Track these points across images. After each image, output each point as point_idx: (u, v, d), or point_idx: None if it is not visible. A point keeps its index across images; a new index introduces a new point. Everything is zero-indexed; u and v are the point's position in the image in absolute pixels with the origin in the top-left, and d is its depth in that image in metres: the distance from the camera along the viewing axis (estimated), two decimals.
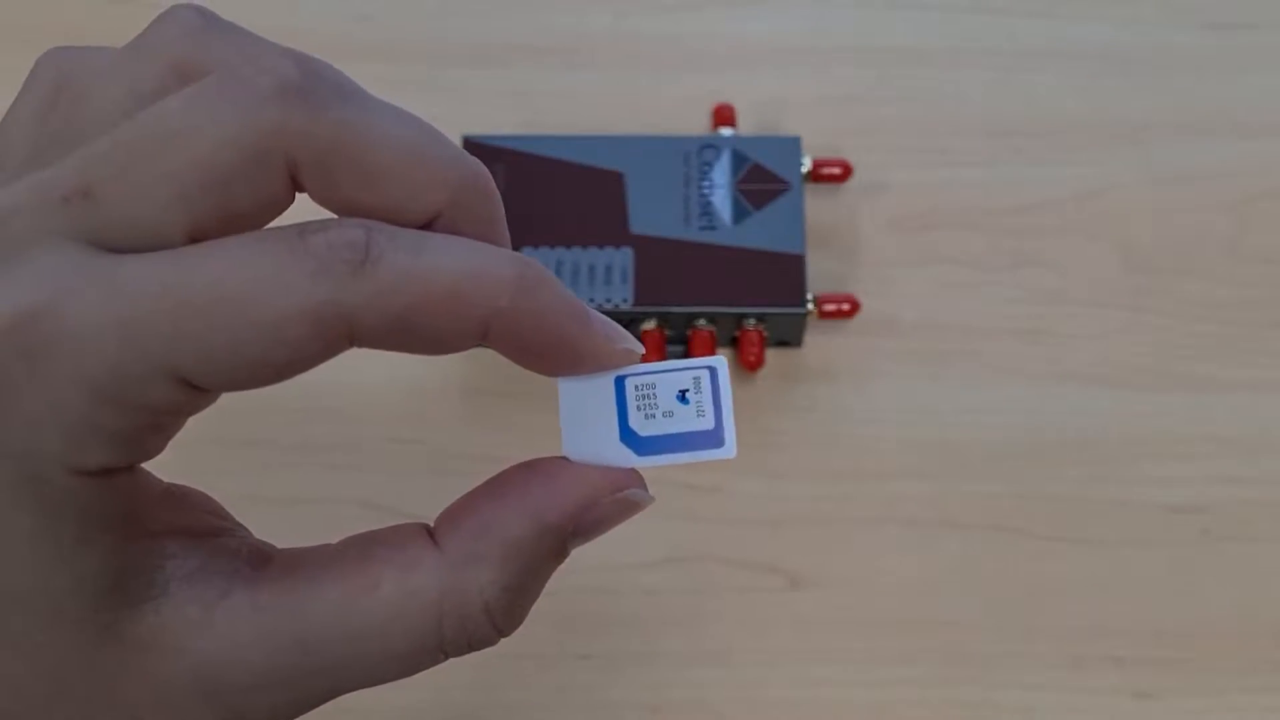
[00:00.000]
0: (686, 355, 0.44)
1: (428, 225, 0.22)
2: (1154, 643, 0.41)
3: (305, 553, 0.23)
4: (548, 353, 0.23)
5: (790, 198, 0.45)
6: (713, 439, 0.25)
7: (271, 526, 0.42)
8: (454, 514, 0.23)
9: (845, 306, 0.45)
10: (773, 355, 0.45)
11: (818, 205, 0.47)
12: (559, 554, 0.24)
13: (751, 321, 0.44)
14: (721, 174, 0.45)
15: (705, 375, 0.25)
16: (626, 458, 0.24)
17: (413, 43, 0.52)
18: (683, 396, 0.25)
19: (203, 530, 0.23)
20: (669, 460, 0.24)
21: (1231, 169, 0.49)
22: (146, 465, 0.22)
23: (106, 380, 0.20)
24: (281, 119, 0.20)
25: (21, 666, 0.22)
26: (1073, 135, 0.49)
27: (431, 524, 0.24)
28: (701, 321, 0.44)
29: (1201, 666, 0.41)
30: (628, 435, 0.24)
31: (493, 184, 0.23)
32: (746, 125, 0.48)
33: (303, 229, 0.20)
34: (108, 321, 0.19)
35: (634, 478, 0.24)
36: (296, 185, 0.21)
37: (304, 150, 0.21)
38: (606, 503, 0.24)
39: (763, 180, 0.45)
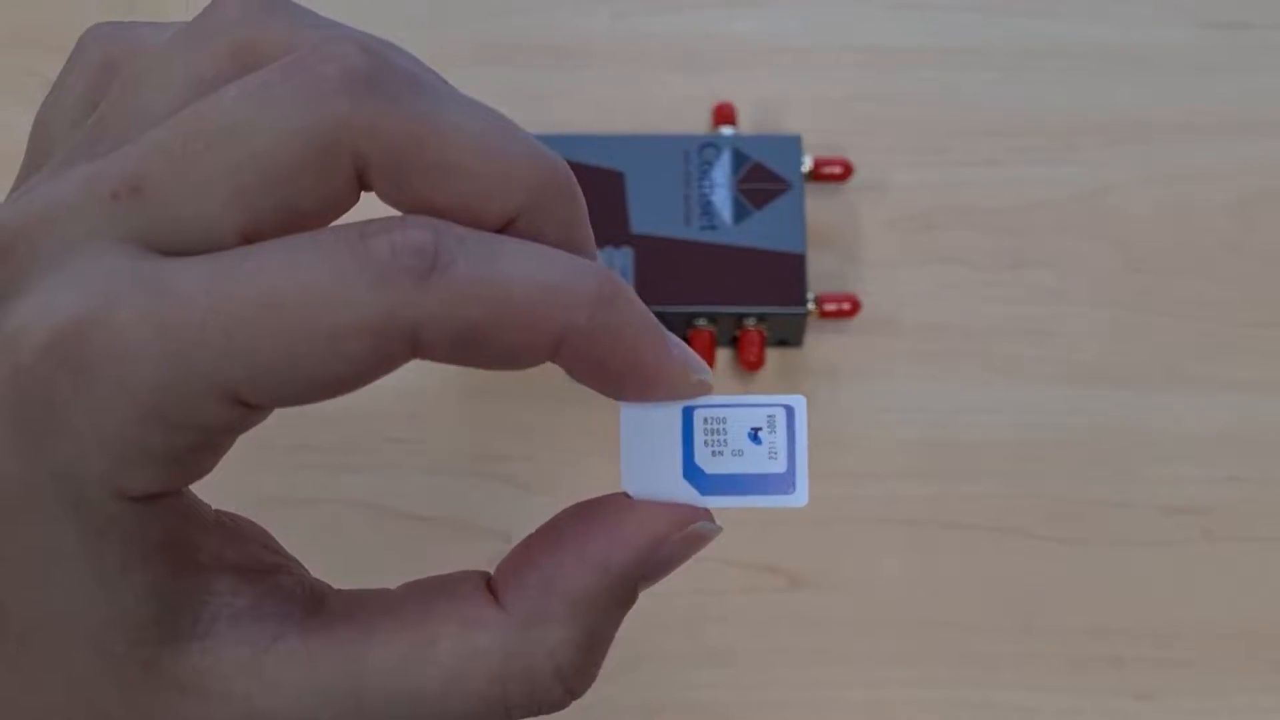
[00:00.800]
0: None
1: (504, 228, 0.21)
2: (1154, 643, 0.41)
3: (362, 598, 0.22)
4: (619, 376, 0.21)
5: (791, 197, 0.45)
6: (784, 484, 0.23)
7: (270, 527, 0.42)
8: (513, 567, 0.22)
9: (846, 306, 0.44)
10: (773, 355, 0.45)
11: (818, 204, 0.47)
12: (628, 601, 0.23)
13: (752, 321, 0.44)
14: (722, 173, 0.45)
15: (781, 414, 0.23)
16: (689, 495, 0.23)
17: (410, 41, 0.51)
18: (755, 435, 0.23)
19: (254, 566, 0.22)
20: (734, 502, 0.23)
21: (1232, 168, 0.48)
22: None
23: (155, 397, 0.18)
24: (349, 112, 0.19)
25: (58, 696, 0.21)
26: (1073, 134, 0.49)
27: (491, 572, 0.23)
28: (702, 321, 0.44)
29: (1202, 667, 0.41)
30: (692, 471, 0.23)
31: (575, 183, 0.21)
32: (747, 124, 0.48)
33: (364, 230, 0.19)
34: (157, 334, 0.18)
35: (700, 511, 0.23)
36: (363, 183, 0.20)
37: (372, 146, 0.19)
38: (674, 541, 0.23)
39: (763, 179, 0.45)
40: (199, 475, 0.20)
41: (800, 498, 0.23)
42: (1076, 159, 0.49)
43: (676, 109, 0.49)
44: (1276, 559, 0.43)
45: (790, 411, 0.23)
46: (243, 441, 0.46)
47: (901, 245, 0.47)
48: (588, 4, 0.51)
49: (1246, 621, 0.42)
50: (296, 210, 0.19)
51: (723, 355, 0.45)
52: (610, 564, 0.22)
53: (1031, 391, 0.45)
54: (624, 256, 0.44)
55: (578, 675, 0.22)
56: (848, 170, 0.47)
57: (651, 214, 0.45)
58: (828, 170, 0.46)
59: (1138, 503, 0.43)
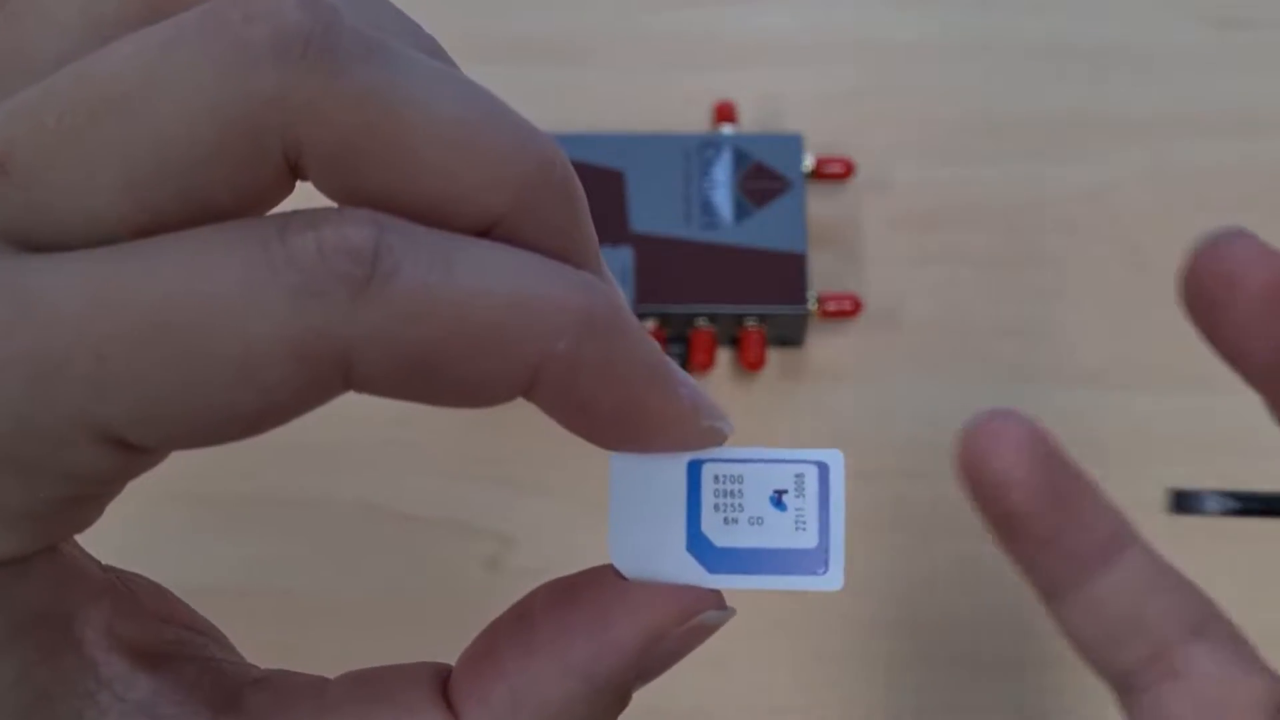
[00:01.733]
0: (687, 355, 0.43)
1: (484, 234, 0.16)
2: None
3: (287, 699, 0.18)
4: (610, 420, 0.17)
5: (792, 196, 0.45)
6: (813, 562, 0.19)
7: (267, 528, 0.42)
8: (475, 671, 0.18)
9: (847, 305, 0.44)
10: (774, 355, 0.45)
11: (820, 203, 0.47)
12: (619, 708, 0.19)
13: (752, 321, 0.44)
14: (722, 172, 0.45)
15: (812, 473, 0.19)
16: (693, 573, 0.19)
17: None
18: (778, 500, 0.19)
19: (154, 649, 0.18)
20: (750, 583, 0.19)
21: (1236, 166, 0.48)
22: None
23: (7, 438, 0.15)
24: (280, 86, 0.15)
25: None
26: (1076, 133, 0.49)
27: (450, 665, 0.19)
28: (702, 321, 0.43)
29: None
30: (698, 543, 0.19)
31: (573, 178, 0.17)
32: (748, 123, 0.48)
33: (285, 224, 0.15)
34: (10, 356, 0.14)
35: (707, 594, 0.19)
36: (297, 172, 0.16)
37: (310, 132, 0.15)
38: (676, 636, 0.19)
39: (764, 178, 0.45)
40: (77, 530, 0.17)
41: (834, 580, 0.19)
42: (1079, 157, 0.48)
43: (677, 107, 0.49)
44: (1278, 559, 0.42)
45: (824, 470, 0.19)
46: (249, 446, 0.45)
47: (903, 244, 0.47)
48: (588, 2, 0.51)
49: (1250, 622, 0.42)
50: (207, 203, 0.15)
51: (723, 355, 0.45)
52: (596, 673, 0.18)
53: (1033, 391, 0.45)
54: (624, 256, 0.44)
55: None
56: (849, 169, 0.46)
57: (652, 213, 0.44)
58: (829, 169, 0.46)
59: (1139, 502, 0.43)
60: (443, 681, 0.18)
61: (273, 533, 0.42)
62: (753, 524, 0.19)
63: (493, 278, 0.16)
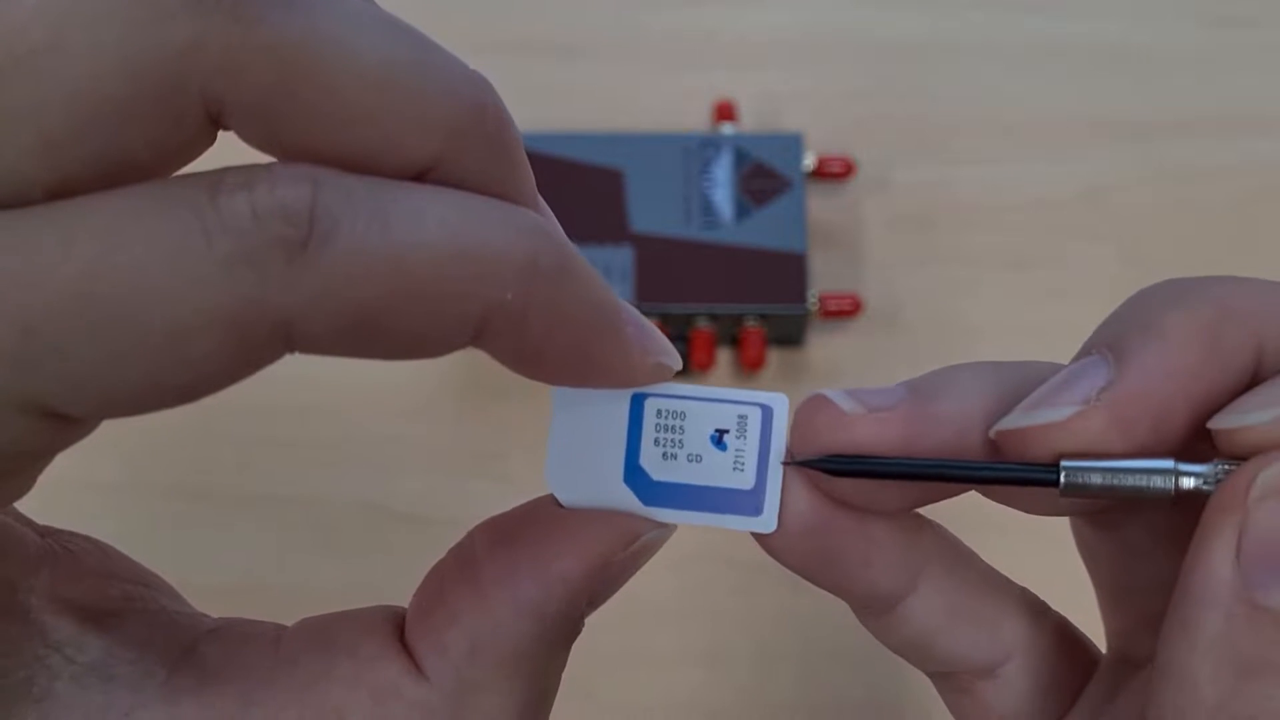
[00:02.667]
0: (687, 355, 0.43)
1: (419, 179, 0.16)
2: None
3: (241, 648, 0.18)
4: (558, 362, 0.17)
5: (792, 195, 0.45)
6: (748, 503, 0.19)
7: (266, 526, 0.42)
8: (427, 617, 0.18)
9: (847, 305, 0.44)
10: (774, 354, 0.45)
11: (820, 203, 0.47)
12: (571, 637, 0.19)
13: (753, 320, 0.44)
14: (722, 171, 0.45)
15: (755, 415, 0.19)
16: (629, 504, 0.19)
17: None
18: (719, 439, 0.19)
19: (101, 606, 0.17)
20: (683, 518, 0.19)
21: (1234, 166, 0.48)
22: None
23: None
24: (196, 37, 0.14)
25: None
26: (1076, 132, 0.49)
27: (403, 609, 0.19)
28: (702, 320, 0.43)
29: None
30: (634, 475, 0.19)
31: (508, 119, 0.16)
32: (748, 122, 0.48)
33: (216, 184, 0.14)
34: None
35: (645, 521, 0.19)
36: (218, 124, 0.15)
37: (230, 82, 0.14)
38: (619, 560, 0.19)
39: (764, 178, 0.45)
40: (8, 502, 0.16)
41: (768, 522, 0.19)
42: (1079, 157, 0.48)
43: (677, 107, 0.48)
44: None
45: (767, 413, 0.19)
46: (234, 439, 0.44)
47: (903, 244, 0.47)
48: (588, 1, 0.51)
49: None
50: (126, 161, 0.14)
51: (723, 355, 0.45)
52: (548, 609, 0.18)
53: None
54: (624, 255, 0.44)
55: None
56: (849, 168, 0.46)
57: (651, 212, 0.44)
58: (829, 169, 0.46)
59: None
60: (398, 627, 0.18)
61: (272, 531, 0.42)
62: (691, 461, 0.19)
63: (433, 229, 0.15)
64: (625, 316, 0.18)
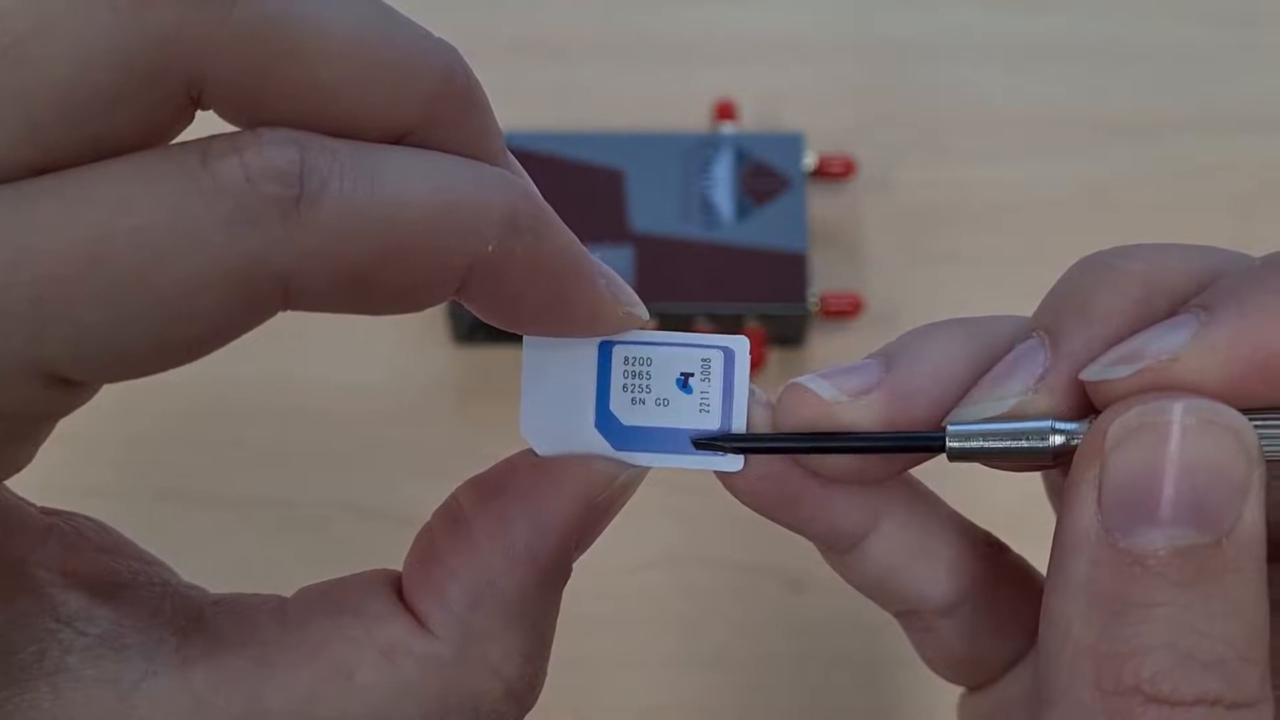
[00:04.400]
0: None
1: (397, 144, 0.17)
2: None
3: (250, 614, 0.18)
4: (534, 311, 0.18)
5: (792, 195, 0.45)
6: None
7: (264, 528, 0.42)
8: (424, 573, 0.19)
9: (847, 305, 0.44)
10: (775, 354, 0.45)
11: (821, 202, 0.47)
12: (564, 580, 0.20)
13: (753, 320, 0.43)
14: (722, 171, 0.45)
15: (718, 358, 0.20)
16: (601, 449, 0.20)
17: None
18: (684, 382, 0.20)
19: (108, 579, 0.18)
20: (653, 460, 0.20)
21: (1235, 165, 0.48)
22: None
23: None
24: (177, 22, 0.15)
25: None
26: (1076, 132, 0.49)
27: (397, 570, 0.19)
28: (702, 320, 0.43)
29: None
30: (606, 420, 0.20)
31: (476, 83, 0.17)
32: (748, 121, 0.48)
33: (205, 150, 0.15)
34: None
35: (620, 463, 0.20)
36: (198, 103, 0.16)
37: (210, 65, 0.15)
38: (600, 502, 0.20)
39: (764, 177, 0.45)
40: (11, 471, 0.17)
41: (734, 460, 0.20)
42: (1079, 157, 0.48)
43: (677, 106, 0.48)
44: None
45: (729, 355, 0.20)
46: (229, 442, 0.44)
47: (904, 243, 0.47)
48: (588, 1, 0.51)
49: None
50: (111, 139, 0.15)
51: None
52: (539, 553, 0.19)
53: None
54: (623, 255, 0.43)
55: (528, 685, 0.19)
56: (850, 168, 0.46)
57: (651, 212, 0.44)
58: (830, 168, 0.46)
59: None
60: (397, 588, 0.19)
61: (264, 535, 0.42)
62: (659, 404, 0.20)
63: (417, 185, 0.16)
64: (598, 268, 0.19)
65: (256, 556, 0.41)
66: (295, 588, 0.19)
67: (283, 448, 0.43)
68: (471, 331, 0.44)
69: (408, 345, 0.44)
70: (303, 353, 0.44)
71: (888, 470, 0.21)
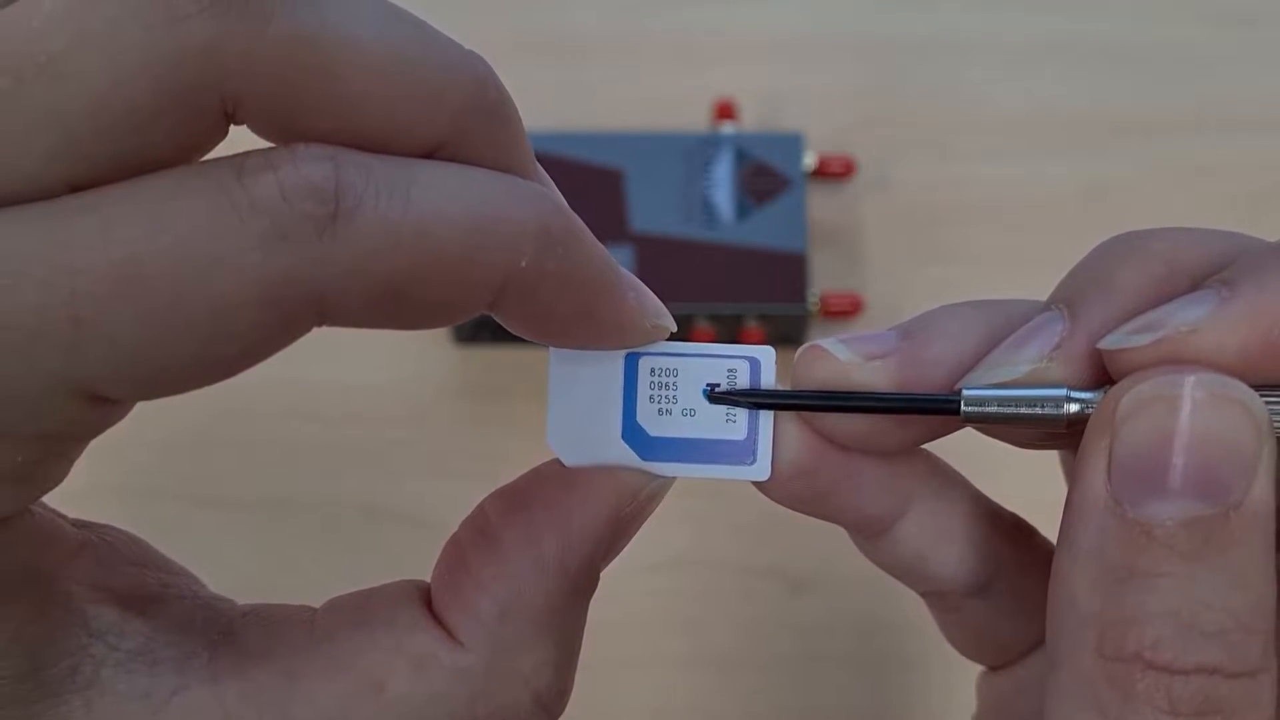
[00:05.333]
0: None
1: (429, 157, 0.17)
2: None
3: (279, 627, 0.18)
4: (564, 325, 0.18)
5: (792, 195, 0.45)
6: (741, 453, 0.20)
7: (268, 529, 0.42)
8: (454, 586, 0.19)
9: (848, 305, 0.44)
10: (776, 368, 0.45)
11: (821, 202, 0.47)
12: (591, 590, 0.20)
13: (753, 320, 0.43)
14: (723, 171, 0.45)
15: (744, 369, 0.20)
16: (628, 460, 0.20)
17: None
18: (710, 392, 0.20)
19: (140, 593, 0.18)
20: (681, 471, 0.20)
21: (1236, 165, 0.48)
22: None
23: None
24: (211, 39, 0.14)
25: None
26: (1078, 131, 0.49)
27: (426, 581, 0.19)
28: (702, 320, 0.43)
29: None
30: (633, 432, 0.20)
31: (507, 96, 0.17)
32: (748, 121, 0.48)
33: (240, 167, 0.15)
34: None
35: (645, 475, 0.20)
36: (233, 118, 0.15)
37: (245, 79, 0.15)
38: (628, 512, 0.19)
39: (764, 177, 0.45)
40: (48, 488, 0.17)
41: (761, 470, 0.20)
42: (1081, 155, 0.48)
43: (677, 106, 0.48)
44: None
45: (755, 365, 0.20)
46: (236, 442, 0.44)
47: (905, 243, 0.47)
48: (588, 0, 0.51)
49: None
50: (147, 156, 0.15)
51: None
52: (569, 564, 0.19)
53: None
54: (623, 255, 0.43)
55: (558, 696, 0.19)
56: (850, 168, 0.46)
57: (652, 212, 0.44)
58: (830, 168, 0.46)
59: None
60: (426, 599, 0.19)
61: (273, 534, 0.42)
62: (686, 415, 0.20)
63: (451, 200, 0.16)
64: (627, 281, 0.19)
65: (269, 557, 0.41)
66: (302, 586, 0.19)
67: (286, 448, 0.43)
68: (473, 332, 0.44)
69: (410, 346, 0.44)
70: (306, 355, 0.44)
71: (903, 438, 0.21)
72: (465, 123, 0.17)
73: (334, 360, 0.44)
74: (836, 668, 0.41)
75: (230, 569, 0.41)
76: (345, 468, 0.43)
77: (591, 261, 0.18)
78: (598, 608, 0.44)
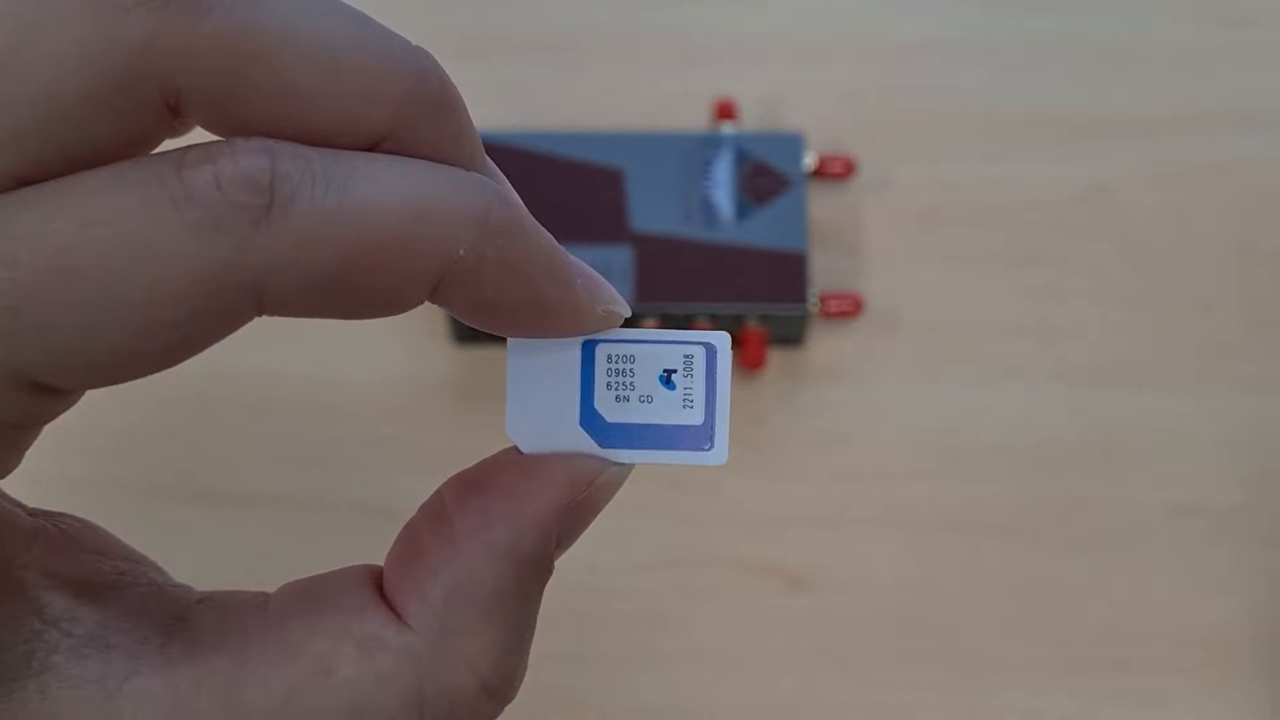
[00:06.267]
0: None
1: (371, 150, 0.17)
2: (1158, 645, 0.41)
3: (232, 612, 0.18)
4: (511, 313, 0.18)
5: (792, 195, 0.45)
6: (698, 438, 0.20)
7: (265, 528, 0.42)
8: (405, 568, 0.19)
9: (848, 305, 0.44)
10: (775, 354, 0.45)
11: (821, 202, 0.47)
12: (545, 576, 0.19)
13: (753, 320, 0.43)
14: (723, 171, 0.45)
15: (700, 354, 0.20)
16: (586, 447, 0.20)
17: (404, 36, 0.51)
18: (667, 379, 0.20)
19: (95, 580, 0.18)
20: (639, 457, 0.20)
21: (1236, 165, 0.48)
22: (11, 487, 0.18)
23: None
24: (150, 32, 0.15)
25: None
26: (1077, 131, 0.49)
27: (379, 565, 0.20)
28: (702, 321, 0.43)
29: (1208, 669, 0.41)
30: (590, 418, 0.20)
31: (451, 88, 0.18)
32: (748, 121, 0.48)
33: (180, 160, 0.15)
34: None
35: (603, 460, 0.20)
36: (177, 112, 0.16)
37: (186, 73, 0.15)
38: (583, 500, 0.19)
39: (765, 177, 0.45)
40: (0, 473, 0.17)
41: (718, 455, 0.20)
42: (1080, 156, 0.48)
43: (676, 105, 0.48)
44: None
45: (711, 351, 0.20)
46: (230, 439, 0.44)
47: (905, 243, 0.47)
48: (587, 0, 0.51)
49: (1251, 623, 0.41)
50: (92, 149, 0.15)
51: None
52: (520, 549, 0.19)
53: (1035, 391, 0.45)
54: (624, 255, 0.43)
55: (506, 681, 0.19)
56: (850, 168, 0.46)
57: (652, 212, 0.44)
58: (830, 168, 0.46)
59: (1140, 504, 0.43)
60: (377, 583, 0.19)
61: (269, 533, 0.42)
62: (643, 401, 0.20)
63: (388, 191, 0.16)
64: (574, 268, 0.19)
65: (257, 554, 0.41)
66: (265, 591, 0.19)
67: (280, 445, 0.43)
68: (473, 332, 0.44)
69: (408, 344, 0.44)
70: (302, 350, 0.44)
71: None
72: (408, 115, 0.17)
73: (331, 357, 0.44)
74: (832, 664, 0.41)
75: (222, 566, 0.41)
76: (340, 466, 0.43)
77: (535, 249, 0.18)
78: (593, 604, 0.44)
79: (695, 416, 0.20)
